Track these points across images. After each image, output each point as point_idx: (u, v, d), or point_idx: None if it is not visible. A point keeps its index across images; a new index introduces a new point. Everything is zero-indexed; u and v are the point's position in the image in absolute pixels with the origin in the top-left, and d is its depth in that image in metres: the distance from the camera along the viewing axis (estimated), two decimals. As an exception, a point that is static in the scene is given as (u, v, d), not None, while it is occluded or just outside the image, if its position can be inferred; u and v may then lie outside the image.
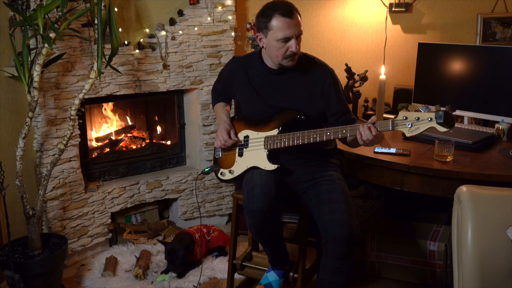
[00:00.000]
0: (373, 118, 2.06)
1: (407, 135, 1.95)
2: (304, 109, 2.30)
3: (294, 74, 2.32)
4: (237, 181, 2.46)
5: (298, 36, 2.20)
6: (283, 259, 2.42)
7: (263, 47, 2.29)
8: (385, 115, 3.07)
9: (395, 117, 2.00)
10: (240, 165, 2.40)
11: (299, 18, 2.21)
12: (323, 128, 2.19)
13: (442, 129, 1.89)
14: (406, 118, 1.95)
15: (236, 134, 2.43)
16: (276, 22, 2.17)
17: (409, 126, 1.94)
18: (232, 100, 2.71)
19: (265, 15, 2.21)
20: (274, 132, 2.31)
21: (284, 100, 2.33)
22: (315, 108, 2.31)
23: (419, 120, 1.92)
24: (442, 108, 1.90)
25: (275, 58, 2.25)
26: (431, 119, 1.89)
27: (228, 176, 2.45)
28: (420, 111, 1.94)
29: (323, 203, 2.17)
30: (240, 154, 2.41)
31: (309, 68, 2.33)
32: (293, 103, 2.32)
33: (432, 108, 1.94)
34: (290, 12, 2.17)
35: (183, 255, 2.76)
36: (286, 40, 2.18)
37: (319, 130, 2.17)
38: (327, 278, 2.12)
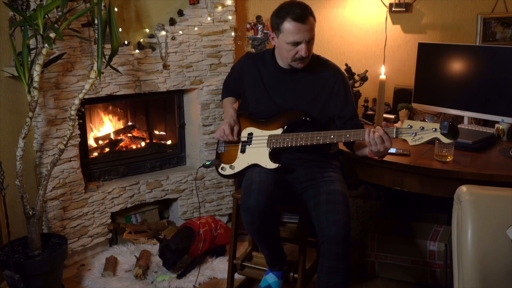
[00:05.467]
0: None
1: (411, 143, 1.97)
2: (311, 110, 2.30)
3: (304, 74, 2.33)
4: (237, 178, 2.46)
5: (309, 41, 2.20)
6: (281, 260, 2.42)
7: (274, 46, 2.31)
8: (385, 115, 3.06)
9: (400, 125, 2.01)
10: (241, 162, 2.41)
11: (313, 21, 2.21)
12: (327, 131, 2.18)
13: (446, 140, 1.91)
14: (411, 127, 1.96)
15: (239, 132, 2.43)
16: (288, 26, 2.17)
17: (413, 135, 1.95)
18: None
19: (278, 16, 2.21)
20: (278, 131, 2.32)
21: (292, 99, 2.34)
22: (322, 110, 2.32)
23: (424, 129, 1.93)
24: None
25: (285, 60, 2.28)
26: (435, 129, 1.91)
27: (228, 171, 2.45)
28: (426, 121, 1.95)
29: (321, 204, 2.17)
30: (243, 151, 2.42)
31: (320, 70, 2.34)
32: (301, 103, 2.32)
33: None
34: (302, 17, 2.15)
35: (176, 257, 2.77)
36: (296, 44, 2.18)
37: (323, 133, 2.17)
38: (324, 278, 2.13)
